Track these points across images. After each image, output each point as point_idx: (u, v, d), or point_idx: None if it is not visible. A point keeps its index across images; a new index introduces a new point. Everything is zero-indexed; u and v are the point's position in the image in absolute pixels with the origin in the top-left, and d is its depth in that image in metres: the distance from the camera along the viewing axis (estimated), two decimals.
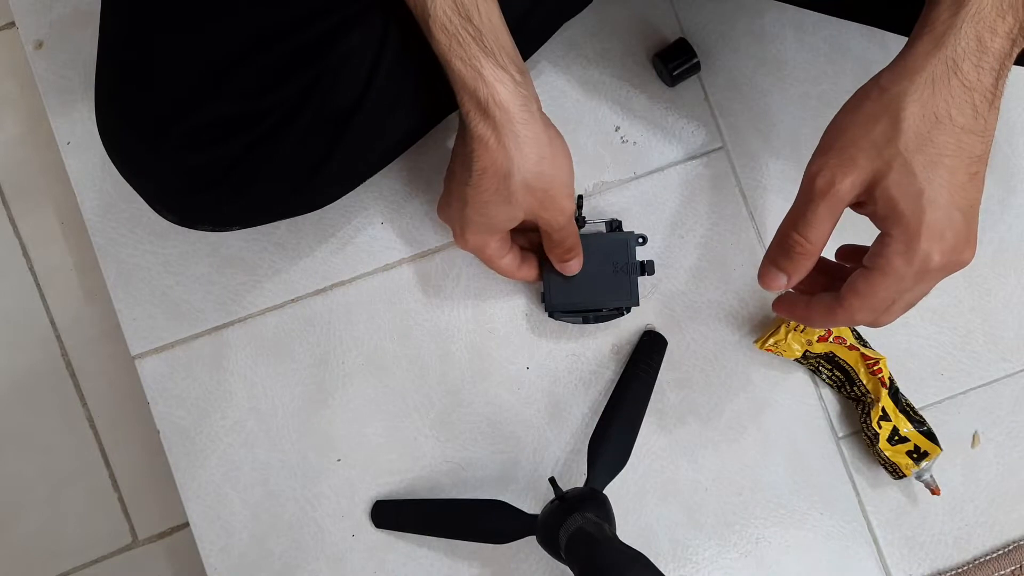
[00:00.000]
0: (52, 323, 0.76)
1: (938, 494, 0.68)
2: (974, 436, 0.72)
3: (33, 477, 0.75)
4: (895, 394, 0.69)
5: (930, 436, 0.68)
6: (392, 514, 0.69)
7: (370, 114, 0.54)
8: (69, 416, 0.76)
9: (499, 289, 0.70)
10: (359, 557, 0.69)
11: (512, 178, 0.53)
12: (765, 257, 0.50)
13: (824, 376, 0.70)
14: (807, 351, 0.68)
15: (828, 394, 0.71)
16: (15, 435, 0.75)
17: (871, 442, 0.68)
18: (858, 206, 0.46)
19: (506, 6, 0.55)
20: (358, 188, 0.63)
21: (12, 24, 0.74)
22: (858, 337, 0.69)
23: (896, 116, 0.43)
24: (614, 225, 0.69)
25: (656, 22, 0.72)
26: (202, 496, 0.69)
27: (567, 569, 0.53)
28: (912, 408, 0.69)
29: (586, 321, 0.69)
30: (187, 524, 0.70)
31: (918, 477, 0.68)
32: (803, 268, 0.48)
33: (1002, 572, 0.70)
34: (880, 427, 0.67)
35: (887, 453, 0.67)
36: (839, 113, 0.47)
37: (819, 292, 0.50)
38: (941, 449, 0.67)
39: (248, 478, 0.69)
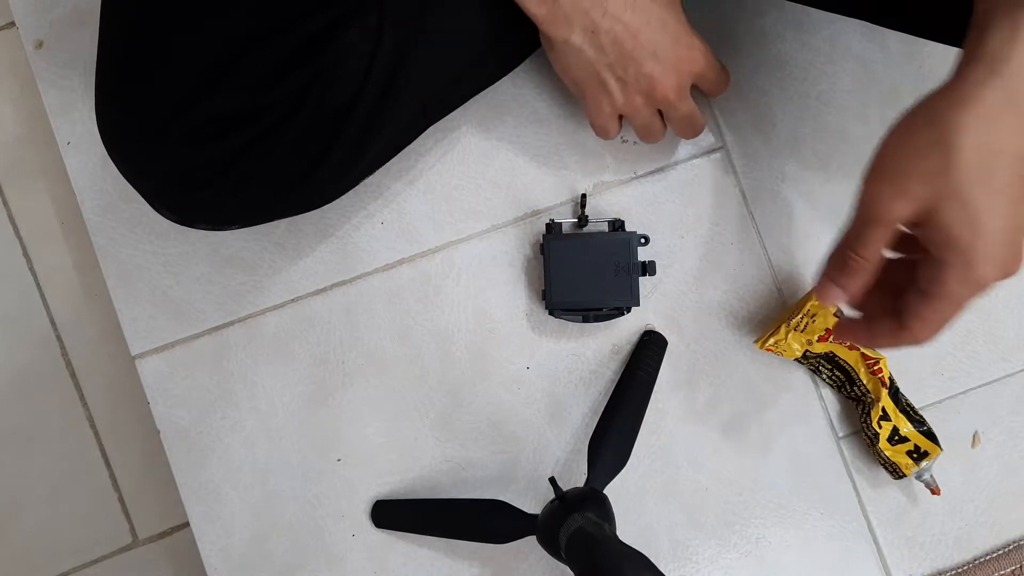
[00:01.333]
0: (52, 323, 0.76)
1: (938, 494, 0.68)
2: (974, 436, 0.72)
3: (33, 477, 0.75)
4: (895, 394, 0.69)
5: (930, 436, 0.68)
6: (392, 514, 0.69)
7: (368, 110, 0.54)
8: (69, 416, 0.76)
9: (499, 289, 0.70)
10: (359, 557, 0.69)
11: None
12: (824, 275, 0.51)
13: (824, 376, 0.70)
14: (807, 351, 0.68)
15: (828, 394, 0.71)
16: (15, 435, 0.75)
17: (871, 442, 0.68)
18: (912, 226, 0.47)
19: (506, 6, 0.55)
20: (358, 188, 0.63)
21: (12, 24, 0.74)
22: None
23: (949, 148, 0.42)
24: (616, 225, 0.69)
25: None
26: (202, 496, 0.69)
27: (567, 569, 0.53)
28: (912, 408, 0.69)
29: (586, 320, 0.69)
30: (187, 524, 0.70)
31: (918, 477, 0.68)
32: (858, 283, 0.49)
33: (1002, 572, 0.70)
34: (880, 427, 0.67)
35: (887, 453, 0.67)
36: (893, 135, 0.46)
37: (874, 305, 0.51)
38: (941, 449, 0.68)
39: (248, 478, 0.69)
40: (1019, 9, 0.41)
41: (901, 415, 0.68)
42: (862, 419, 0.69)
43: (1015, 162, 0.42)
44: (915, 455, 0.67)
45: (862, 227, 0.47)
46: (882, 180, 0.46)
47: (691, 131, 0.63)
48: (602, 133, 0.63)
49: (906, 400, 0.69)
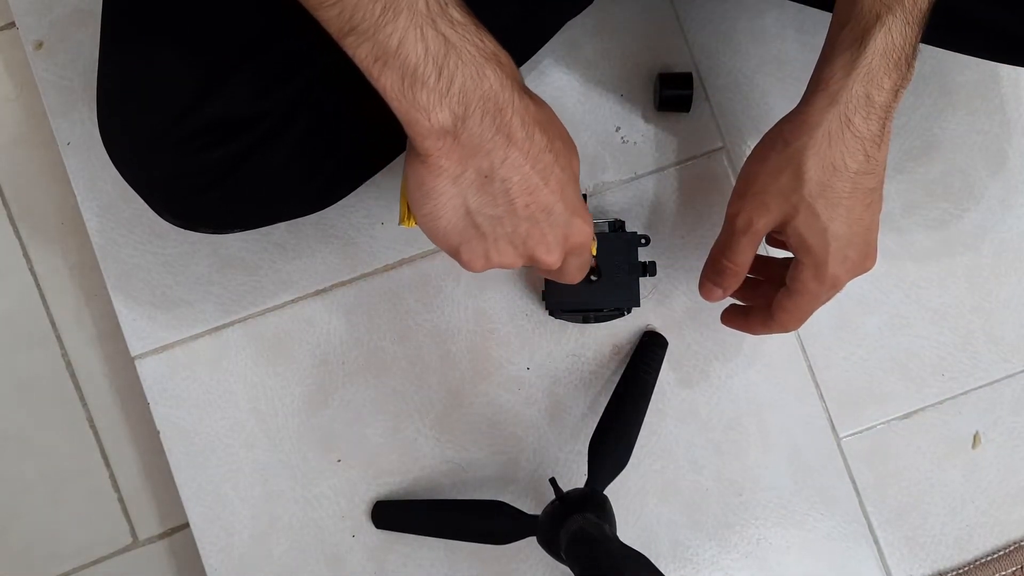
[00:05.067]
0: (52, 323, 0.76)
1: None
2: (975, 437, 0.72)
3: (33, 477, 0.75)
4: None
5: None
6: (392, 515, 0.69)
7: (365, 116, 0.54)
8: (69, 416, 0.76)
9: (499, 289, 0.70)
10: (359, 558, 0.69)
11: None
12: (703, 275, 0.58)
13: None
14: None
15: (828, 394, 0.71)
16: (15, 435, 0.75)
17: None
18: (776, 233, 0.54)
19: (506, 5, 0.55)
20: (357, 188, 0.63)
21: (12, 24, 0.74)
22: None
23: (799, 168, 0.50)
24: (616, 225, 0.69)
25: (656, 23, 0.72)
26: (202, 496, 0.69)
27: (567, 570, 0.53)
28: None
29: (586, 321, 0.68)
30: (187, 524, 0.70)
31: None
32: (733, 284, 0.56)
33: (1003, 573, 0.70)
34: None
35: None
36: (749, 160, 0.54)
37: (749, 295, 0.60)
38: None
39: (248, 478, 0.69)
40: (855, 49, 0.48)
41: None
42: None
43: (855, 178, 0.49)
44: None
45: (731, 238, 0.54)
46: (745, 198, 0.53)
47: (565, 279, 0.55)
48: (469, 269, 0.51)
49: None
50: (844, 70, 0.48)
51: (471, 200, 0.45)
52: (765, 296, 0.57)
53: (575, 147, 0.50)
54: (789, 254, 0.54)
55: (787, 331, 0.56)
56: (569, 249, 0.50)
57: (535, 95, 0.47)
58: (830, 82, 0.49)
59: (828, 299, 0.54)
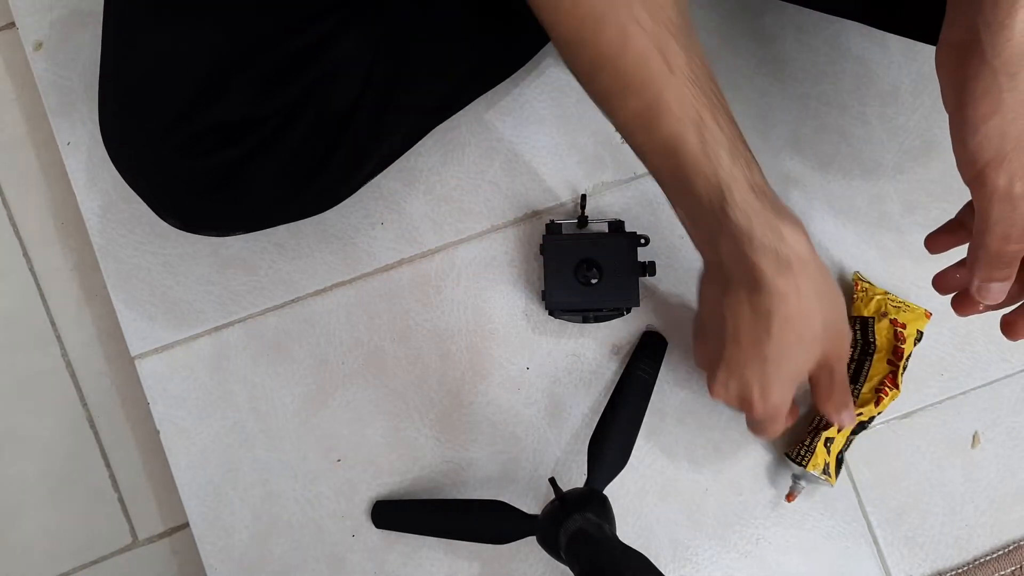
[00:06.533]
0: (52, 323, 0.76)
1: (790, 500, 0.69)
2: (974, 436, 0.72)
3: (33, 477, 0.75)
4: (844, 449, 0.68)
5: (839, 463, 0.68)
6: (392, 514, 0.69)
7: (367, 118, 0.54)
8: (69, 416, 0.76)
9: (499, 289, 0.71)
10: (359, 557, 0.69)
11: (816, 320, 0.50)
12: (978, 276, 0.51)
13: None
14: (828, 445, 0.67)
15: None
16: (15, 435, 0.75)
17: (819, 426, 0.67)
18: None
19: (507, 4, 0.55)
20: (358, 190, 0.63)
21: (12, 24, 0.74)
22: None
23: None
24: (616, 225, 0.69)
25: None
26: (202, 496, 0.69)
27: (567, 569, 0.53)
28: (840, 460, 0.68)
29: (586, 320, 0.69)
30: (187, 524, 0.70)
31: (798, 476, 0.68)
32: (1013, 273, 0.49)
33: (1002, 572, 0.70)
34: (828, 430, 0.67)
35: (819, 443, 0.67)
36: (969, 121, 0.47)
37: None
38: (832, 483, 0.67)
39: (248, 478, 0.69)
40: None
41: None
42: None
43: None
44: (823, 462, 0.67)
45: (1014, 213, 0.46)
46: (1005, 157, 0.45)
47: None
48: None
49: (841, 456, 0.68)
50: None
51: None
52: None
53: None
54: None
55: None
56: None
57: None
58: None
59: None
